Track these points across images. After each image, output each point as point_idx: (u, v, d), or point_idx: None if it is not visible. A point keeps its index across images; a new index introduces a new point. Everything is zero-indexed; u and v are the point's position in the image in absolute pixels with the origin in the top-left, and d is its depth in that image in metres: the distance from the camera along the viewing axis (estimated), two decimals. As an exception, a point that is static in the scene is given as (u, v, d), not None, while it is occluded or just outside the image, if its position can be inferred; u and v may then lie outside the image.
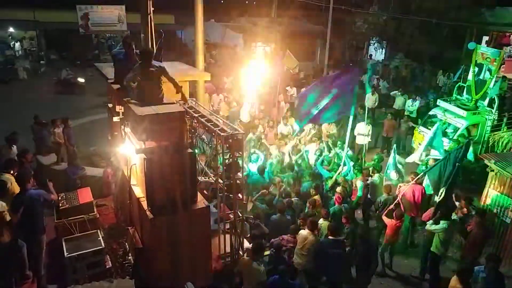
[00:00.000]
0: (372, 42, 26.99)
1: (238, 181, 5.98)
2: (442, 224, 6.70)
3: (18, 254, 5.56)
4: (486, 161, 7.92)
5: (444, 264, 7.30)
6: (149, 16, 7.50)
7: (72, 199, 6.88)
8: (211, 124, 5.96)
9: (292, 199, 7.85)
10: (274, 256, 6.28)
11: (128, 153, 5.94)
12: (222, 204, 6.14)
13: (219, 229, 6.19)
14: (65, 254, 5.84)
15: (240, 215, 6.26)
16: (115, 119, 6.30)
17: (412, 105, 14.02)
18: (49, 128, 10.29)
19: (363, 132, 10.91)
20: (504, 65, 12.11)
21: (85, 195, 7.03)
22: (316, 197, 7.82)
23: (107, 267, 6.11)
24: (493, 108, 11.02)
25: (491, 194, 7.86)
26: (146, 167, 5.03)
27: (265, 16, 29.17)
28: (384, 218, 7.41)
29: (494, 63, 10.90)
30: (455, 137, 10.72)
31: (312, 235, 6.36)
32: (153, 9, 7.58)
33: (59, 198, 6.84)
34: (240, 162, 5.88)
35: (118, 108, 6.15)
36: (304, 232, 6.45)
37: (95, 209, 6.93)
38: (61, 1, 24.80)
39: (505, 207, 7.53)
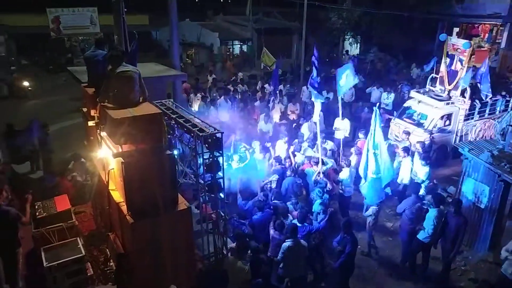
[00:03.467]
0: (347, 37, 27.32)
1: (219, 181, 5.98)
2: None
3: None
4: (460, 150, 8.16)
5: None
6: (122, 17, 7.37)
7: (49, 207, 6.71)
8: (189, 125, 5.94)
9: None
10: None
11: (105, 158, 5.84)
12: (204, 204, 6.12)
13: (202, 230, 6.16)
14: (44, 263, 5.70)
15: (223, 214, 6.25)
16: (90, 123, 6.16)
17: (387, 98, 14.27)
18: (23, 135, 9.99)
19: (340, 126, 11.04)
20: (474, 56, 12.48)
21: (63, 203, 6.87)
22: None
23: (89, 274, 5.99)
24: (465, 97, 11.35)
25: (466, 181, 8.09)
26: (124, 171, 4.94)
27: (240, 15, 29.18)
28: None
29: (465, 53, 11.22)
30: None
31: None
32: (126, 10, 7.45)
33: (36, 207, 6.69)
34: (220, 161, 5.87)
35: (93, 112, 6.02)
36: None
37: (73, 217, 6.77)
38: (31, 4, 24.07)
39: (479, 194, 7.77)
